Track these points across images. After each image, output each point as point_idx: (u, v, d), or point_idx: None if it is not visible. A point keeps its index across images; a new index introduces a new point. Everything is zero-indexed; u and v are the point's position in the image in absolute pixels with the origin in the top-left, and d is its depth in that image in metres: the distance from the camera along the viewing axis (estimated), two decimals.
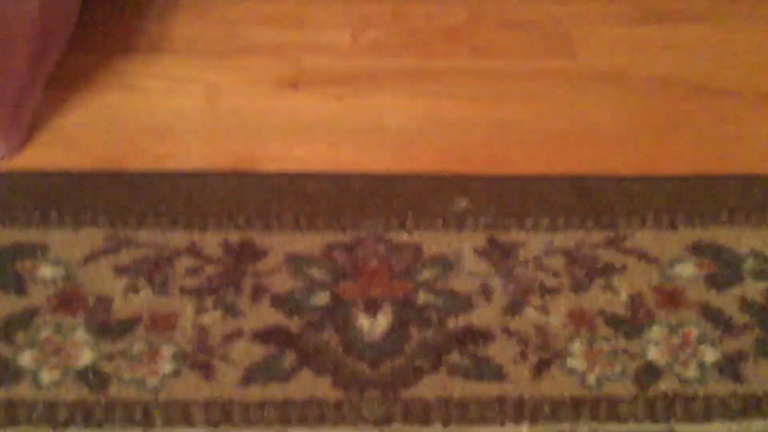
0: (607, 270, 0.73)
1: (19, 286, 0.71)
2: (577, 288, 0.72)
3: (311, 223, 0.78)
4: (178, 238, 0.75)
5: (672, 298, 0.71)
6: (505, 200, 0.79)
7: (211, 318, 0.70)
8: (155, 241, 0.75)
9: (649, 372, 0.66)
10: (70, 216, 0.76)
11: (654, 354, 0.67)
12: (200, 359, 0.67)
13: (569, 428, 0.63)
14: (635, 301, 0.71)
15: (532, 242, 0.76)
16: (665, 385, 0.65)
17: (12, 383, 0.65)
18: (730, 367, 0.66)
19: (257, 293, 0.72)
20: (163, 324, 0.70)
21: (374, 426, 0.63)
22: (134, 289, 0.71)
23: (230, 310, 0.71)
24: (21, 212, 0.76)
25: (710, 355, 0.67)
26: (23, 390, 0.64)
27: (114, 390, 0.65)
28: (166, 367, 0.67)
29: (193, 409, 0.64)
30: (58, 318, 0.69)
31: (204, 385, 0.66)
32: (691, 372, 0.66)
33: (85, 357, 0.67)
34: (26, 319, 0.69)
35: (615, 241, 0.75)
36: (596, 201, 0.79)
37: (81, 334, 0.68)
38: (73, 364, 0.66)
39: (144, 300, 0.71)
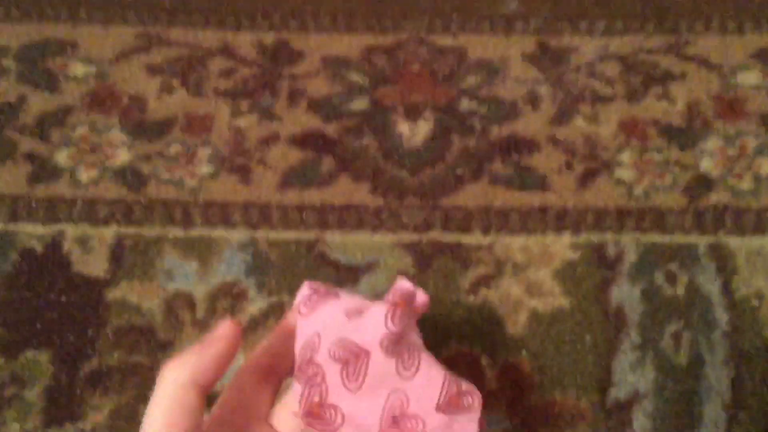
0: (665, 77, 0.69)
1: (52, 84, 0.69)
2: (631, 96, 0.68)
3: (350, 24, 0.73)
4: (210, 37, 0.72)
5: (732, 107, 0.67)
6: (559, 1, 0.73)
7: (247, 121, 0.68)
8: (187, 41, 0.72)
9: (701, 183, 0.64)
10: (98, 11, 0.73)
11: (707, 165, 0.64)
12: (237, 162, 0.66)
13: (612, 238, 0.61)
14: (692, 110, 0.67)
15: (586, 47, 0.71)
16: (716, 197, 0.63)
17: (51, 180, 0.64)
18: None
19: (293, 97, 0.70)
20: (198, 126, 0.68)
21: (413, 232, 0.63)
22: (168, 89, 0.69)
23: (266, 114, 0.69)
24: (48, 7, 0.73)
25: (767, 167, 0.64)
26: (62, 187, 0.64)
27: (152, 190, 0.64)
28: (204, 169, 0.66)
29: (231, 210, 0.64)
30: (92, 117, 0.68)
31: (242, 187, 0.65)
32: (745, 184, 0.63)
33: (122, 157, 0.66)
34: (61, 116, 0.68)
35: (675, 47, 0.70)
36: (659, 2, 0.72)
37: (116, 134, 0.67)
38: (110, 163, 0.66)
39: (178, 101, 0.69)
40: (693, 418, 0.54)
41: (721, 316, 0.58)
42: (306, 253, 0.62)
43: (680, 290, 0.59)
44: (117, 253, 0.62)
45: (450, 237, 0.62)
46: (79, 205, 0.64)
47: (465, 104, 0.69)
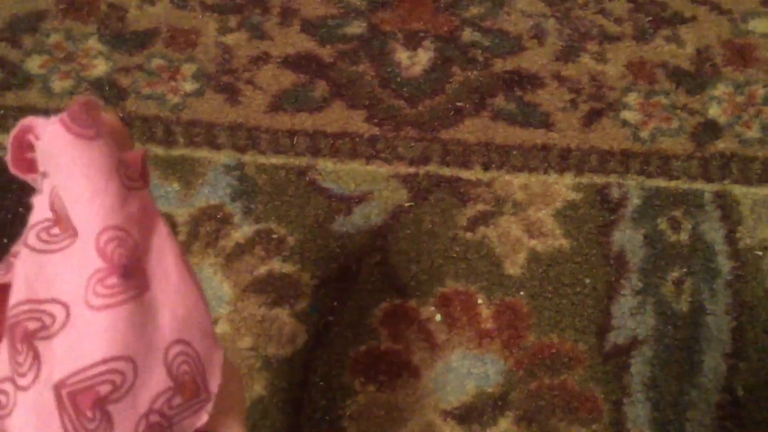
0: (675, 19, 0.66)
1: None
2: (640, 36, 0.65)
3: None
4: None
5: (742, 53, 0.65)
6: None
7: (236, 38, 0.64)
8: None
9: (708, 129, 0.61)
10: None
11: (715, 111, 0.62)
12: (224, 81, 0.62)
13: (616, 181, 0.59)
14: (702, 54, 0.65)
15: None
16: (723, 145, 0.61)
17: (21, 88, 0.59)
18: None
19: (286, 16, 0.65)
20: (183, 40, 0.63)
21: (409, 165, 0.59)
22: None
23: (256, 32, 0.64)
24: None
25: None
26: (34, 96, 0.59)
27: (131, 104, 0.60)
28: (188, 86, 0.61)
29: (217, 131, 0.60)
30: (68, 24, 0.63)
31: (229, 108, 0.61)
32: (753, 132, 0.61)
33: (100, 68, 0.61)
34: (33, 21, 0.62)
35: None
36: None
37: (94, 43, 0.62)
38: (86, 74, 0.61)
39: (161, 12, 0.64)
40: (692, 366, 0.53)
41: (724, 265, 0.56)
42: (296, 179, 0.58)
43: (684, 237, 0.57)
44: None
45: (448, 171, 0.59)
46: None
47: (468, 35, 0.65)
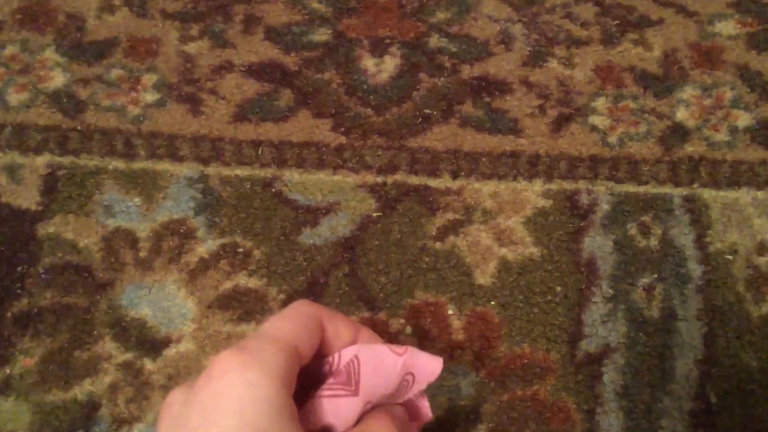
0: (642, 22, 0.66)
1: None
2: (607, 41, 0.65)
3: None
4: None
5: (709, 56, 0.65)
6: None
7: (198, 47, 0.62)
8: None
9: (677, 133, 0.61)
10: None
11: (683, 115, 0.62)
12: (186, 91, 0.60)
13: (585, 187, 0.59)
14: (669, 57, 0.64)
15: None
16: (692, 148, 0.61)
17: None
18: (762, 133, 0.61)
19: (249, 24, 0.64)
20: (143, 50, 0.62)
21: (377, 174, 0.59)
22: (109, 8, 0.63)
23: (219, 40, 0.63)
24: None
25: (743, 119, 0.62)
26: None
27: (91, 116, 0.58)
28: (149, 96, 0.60)
29: (179, 143, 0.58)
30: (24, 35, 0.61)
31: (191, 119, 0.59)
32: (721, 136, 0.61)
33: (57, 79, 0.59)
34: None
35: None
36: None
37: (51, 54, 0.60)
38: (43, 86, 0.59)
39: (121, 21, 0.62)
40: (664, 374, 0.52)
41: (695, 270, 0.56)
42: (261, 191, 0.57)
43: (653, 242, 0.57)
44: (50, 185, 0.56)
45: (417, 180, 0.59)
46: (7, 131, 0.57)
47: (434, 41, 0.65)
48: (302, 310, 0.32)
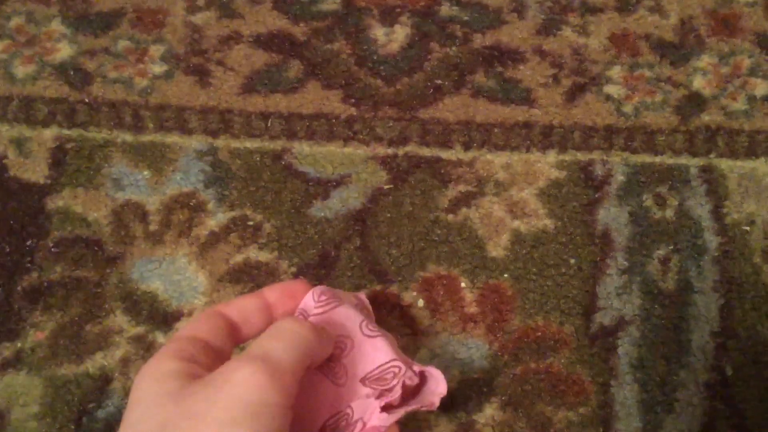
0: None
1: None
2: (623, 8, 0.64)
3: None
4: None
5: (726, 23, 0.63)
6: None
7: (205, 17, 0.61)
8: None
9: (693, 102, 0.60)
10: None
11: (700, 83, 0.61)
12: (194, 62, 0.59)
13: (599, 158, 0.58)
14: (686, 25, 0.63)
15: None
16: (709, 118, 0.59)
17: None
18: None
19: None
20: (150, 21, 0.61)
21: (388, 146, 0.58)
22: None
23: (226, 10, 0.62)
24: None
25: (761, 88, 0.61)
26: None
27: (98, 89, 0.58)
28: (156, 68, 0.59)
29: (188, 115, 0.57)
30: (29, 6, 0.60)
31: (199, 90, 0.59)
32: (739, 105, 0.60)
33: (64, 51, 0.59)
34: None
35: None
36: None
37: (57, 26, 0.59)
38: (49, 58, 0.58)
39: None
40: (680, 346, 0.52)
41: (711, 241, 0.55)
42: (271, 164, 0.56)
43: (669, 213, 0.56)
44: (58, 158, 0.55)
45: (428, 151, 0.58)
46: (14, 104, 0.56)
47: (446, 9, 0.63)
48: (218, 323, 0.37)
